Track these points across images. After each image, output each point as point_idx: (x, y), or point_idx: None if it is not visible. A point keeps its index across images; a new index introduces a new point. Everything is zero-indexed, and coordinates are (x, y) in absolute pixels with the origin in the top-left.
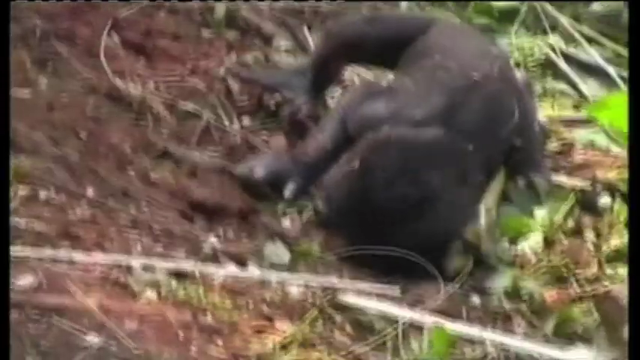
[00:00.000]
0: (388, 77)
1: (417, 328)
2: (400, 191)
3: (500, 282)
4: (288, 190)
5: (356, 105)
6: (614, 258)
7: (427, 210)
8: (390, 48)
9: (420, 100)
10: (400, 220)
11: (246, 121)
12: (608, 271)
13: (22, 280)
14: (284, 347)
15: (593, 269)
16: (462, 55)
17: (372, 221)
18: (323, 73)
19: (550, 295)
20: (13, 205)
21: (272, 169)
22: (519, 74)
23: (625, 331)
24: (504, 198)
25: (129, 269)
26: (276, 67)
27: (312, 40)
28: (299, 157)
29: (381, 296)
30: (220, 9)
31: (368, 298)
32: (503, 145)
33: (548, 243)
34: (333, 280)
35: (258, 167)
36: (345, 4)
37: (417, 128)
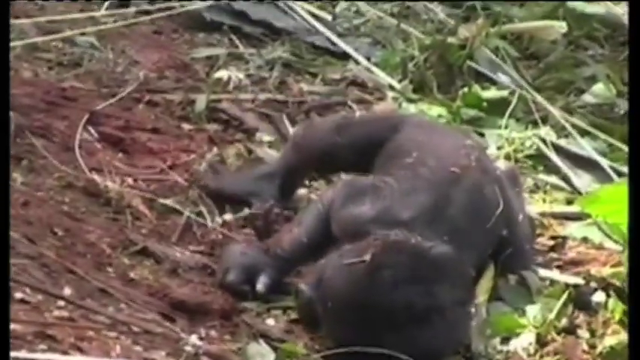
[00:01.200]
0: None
1: None
2: (407, 297)
3: None
4: (261, 284)
5: (340, 204)
6: (609, 357)
7: (429, 321)
8: (363, 153)
9: (404, 198)
10: (401, 325)
11: (228, 216)
12: None
13: None
14: None
15: None
16: (439, 150)
17: (372, 322)
18: (291, 181)
19: None
20: None
21: (243, 266)
22: (502, 164)
23: None
24: (495, 294)
25: None
26: (244, 170)
27: None
28: (273, 250)
29: None
30: (201, 102)
31: None
32: (490, 237)
33: (541, 342)
34: None
35: (231, 270)
36: (328, 99)
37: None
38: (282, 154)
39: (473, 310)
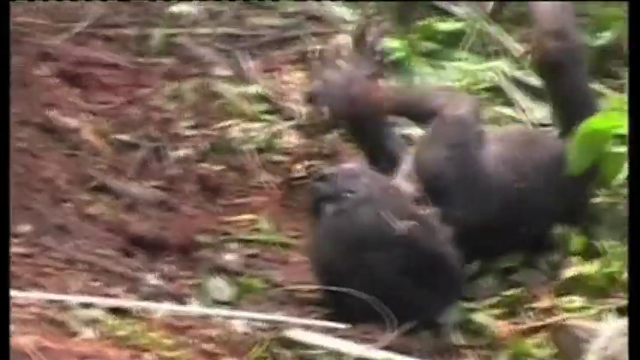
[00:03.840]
0: None
1: None
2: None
3: (452, 316)
4: None
5: None
6: (569, 289)
7: None
8: None
9: None
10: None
11: (187, 151)
12: (563, 302)
13: None
14: None
15: (548, 301)
16: None
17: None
18: None
19: (503, 328)
20: None
21: None
22: None
23: None
24: None
25: (66, 307)
26: None
27: (251, 67)
28: None
29: (329, 332)
30: (157, 36)
31: (315, 334)
32: None
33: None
34: (278, 316)
35: None
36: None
37: None
38: None
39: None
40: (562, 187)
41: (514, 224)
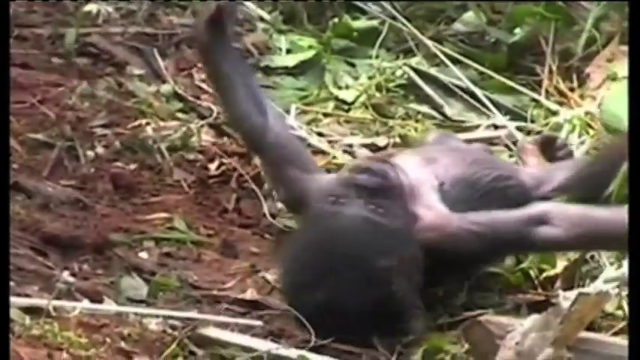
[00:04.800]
0: None
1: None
2: None
3: None
4: None
5: None
6: (483, 285)
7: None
8: None
9: None
10: None
11: (101, 150)
12: (478, 297)
13: None
14: None
15: (462, 297)
16: None
17: None
18: None
19: None
20: None
21: None
22: None
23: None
24: None
25: None
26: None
27: (165, 66)
28: None
29: (244, 329)
30: (70, 36)
31: (229, 332)
32: None
33: None
34: (193, 314)
35: None
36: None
37: None
38: None
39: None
40: None
41: None
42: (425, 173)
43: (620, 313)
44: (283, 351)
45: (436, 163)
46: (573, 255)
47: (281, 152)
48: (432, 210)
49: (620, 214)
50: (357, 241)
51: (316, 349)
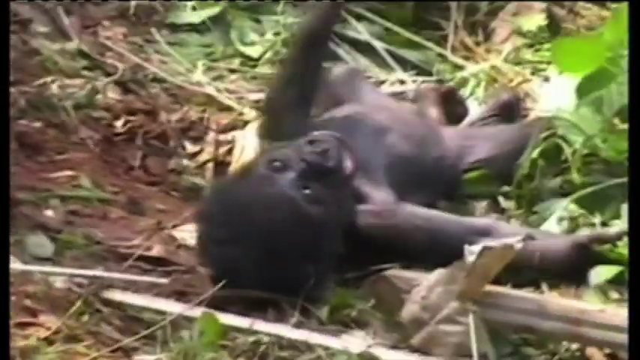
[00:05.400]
0: None
1: (187, 318)
2: None
3: None
4: None
5: None
6: None
7: None
8: None
9: None
10: None
11: None
12: None
13: None
14: (49, 342)
15: None
16: None
17: None
18: None
19: None
20: None
21: None
22: None
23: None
24: None
25: None
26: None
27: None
28: None
29: (150, 287)
30: None
31: (133, 293)
32: None
33: None
34: (99, 272)
35: None
36: None
37: None
38: None
39: None
40: None
41: None
42: (374, 149)
43: None
44: (189, 309)
45: (385, 135)
46: None
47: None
48: (378, 194)
49: (563, 243)
50: (269, 218)
51: (219, 302)
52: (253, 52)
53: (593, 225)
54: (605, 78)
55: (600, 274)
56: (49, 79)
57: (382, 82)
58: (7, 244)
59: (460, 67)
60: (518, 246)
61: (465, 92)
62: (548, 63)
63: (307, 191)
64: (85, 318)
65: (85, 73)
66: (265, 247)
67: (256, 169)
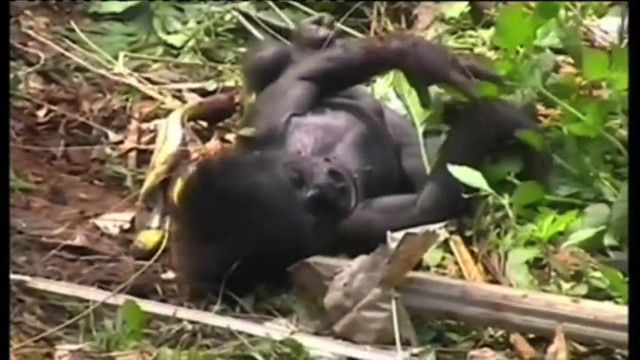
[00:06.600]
0: None
1: (110, 307)
2: None
3: None
4: None
5: None
6: None
7: None
8: None
9: None
10: None
11: None
12: None
13: None
14: None
15: None
16: None
17: None
18: None
19: None
20: None
21: None
22: None
23: (323, 301)
24: None
25: None
26: None
27: None
28: None
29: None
30: None
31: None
32: None
33: None
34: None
35: None
36: None
37: None
38: None
39: None
40: None
41: None
42: (355, 162)
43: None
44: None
45: (363, 150)
46: None
47: None
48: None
49: None
50: (270, 224)
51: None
52: (176, 40)
53: None
54: None
55: (519, 255)
56: None
57: None
58: (8, 246)
59: None
60: (441, 233)
61: (387, 79)
62: (471, 50)
63: (313, 217)
64: None
65: None
66: (259, 249)
67: (264, 164)
